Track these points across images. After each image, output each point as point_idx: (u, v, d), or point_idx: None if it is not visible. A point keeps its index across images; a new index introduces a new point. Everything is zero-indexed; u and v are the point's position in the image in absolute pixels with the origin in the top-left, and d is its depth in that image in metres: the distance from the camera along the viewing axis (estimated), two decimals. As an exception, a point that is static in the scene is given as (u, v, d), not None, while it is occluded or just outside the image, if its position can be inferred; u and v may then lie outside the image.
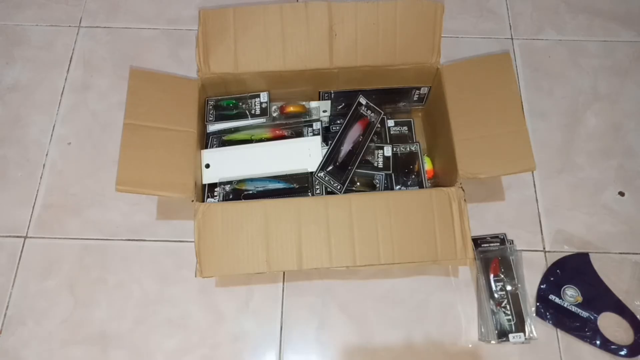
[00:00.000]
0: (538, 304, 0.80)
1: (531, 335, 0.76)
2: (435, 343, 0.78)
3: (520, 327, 0.76)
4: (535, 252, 0.84)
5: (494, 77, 0.78)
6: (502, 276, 0.79)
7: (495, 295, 0.78)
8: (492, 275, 0.79)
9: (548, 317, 0.79)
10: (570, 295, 0.80)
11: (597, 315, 0.79)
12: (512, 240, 0.83)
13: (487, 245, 0.82)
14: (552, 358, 0.77)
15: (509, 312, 0.77)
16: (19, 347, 0.78)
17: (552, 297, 0.80)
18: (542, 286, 0.81)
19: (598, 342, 0.77)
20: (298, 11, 0.79)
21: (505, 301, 0.77)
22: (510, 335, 0.75)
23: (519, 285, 0.78)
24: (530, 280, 0.81)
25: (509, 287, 0.78)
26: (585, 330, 0.78)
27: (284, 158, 0.81)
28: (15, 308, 0.80)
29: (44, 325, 0.79)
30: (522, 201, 0.88)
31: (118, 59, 0.97)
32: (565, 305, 0.79)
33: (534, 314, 0.79)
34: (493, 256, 0.80)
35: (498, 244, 0.82)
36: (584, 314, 0.79)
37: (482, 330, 0.78)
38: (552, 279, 0.81)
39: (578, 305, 0.79)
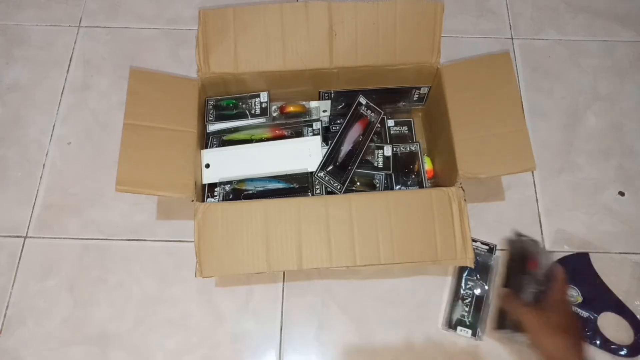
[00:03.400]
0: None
1: (477, 337, 0.77)
2: (435, 343, 0.78)
3: (471, 326, 0.77)
4: (535, 252, 0.84)
5: (494, 77, 0.78)
6: (475, 278, 0.79)
7: (461, 292, 0.79)
8: (464, 274, 0.80)
9: None
10: (570, 295, 0.80)
11: (597, 315, 0.79)
12: (497, 250, 0.82)
13: (474, 247, 0.81)
14: (552, 358, 0.77)
15: (467, 311, 0.78)
16: (19, 347, 0.78)
17: None
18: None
19: (598, 342, 0.77)
20: (298, 11, 0.79)
21: (469, 299, 0.78)
22: (459, 328, 0.77)
23: (488, 290, 0.78)
24: (530, 280, 0.82)
25: (477, 291, 0.79)
26: (585, 330, 0.78)
27: (284, 158, 0.81)
28: (15, 308, 0.80)
29: (44, 325, 0.79)
30: (522, 201, 0.88)
31: (118, 59, 0.97)
32: None
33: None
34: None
35: (486, 251, 0.82)
36: (584, 313, 0.79)
37: (443, 318, 0.79)
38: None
39: (578, 305, 0.79)
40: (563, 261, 0.83)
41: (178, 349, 0.78)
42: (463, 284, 0.79)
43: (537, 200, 0.88)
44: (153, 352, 0.77)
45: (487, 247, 0.82)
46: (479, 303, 0.78)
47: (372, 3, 0.79)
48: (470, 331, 0.77)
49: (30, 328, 0.79)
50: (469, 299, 0.78)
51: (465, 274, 0.80)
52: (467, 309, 0.78)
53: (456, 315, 0.78)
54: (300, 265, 0.69)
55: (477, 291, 0.79)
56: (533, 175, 0.90)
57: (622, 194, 0.89)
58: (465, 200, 0.71)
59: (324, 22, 0.78)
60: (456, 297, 0.79)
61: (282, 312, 0.80)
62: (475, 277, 0.79)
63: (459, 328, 0.77)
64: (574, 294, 0.80)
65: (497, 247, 0.82)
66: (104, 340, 0.78)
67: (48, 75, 0.96)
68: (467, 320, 0.77)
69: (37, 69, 0.96)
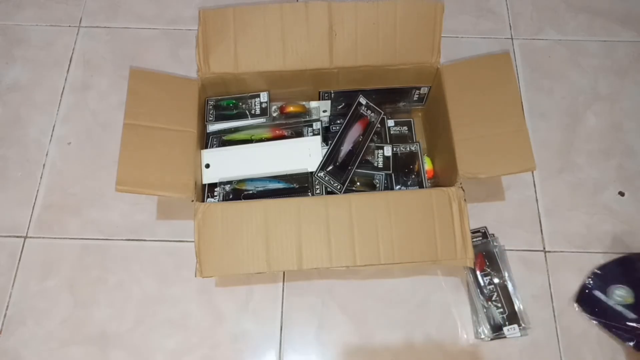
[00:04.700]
0: (580, 295, 0.79)
1: (524, 324, 0.76)
2: (435, 343, 0.78)
3: (513, 318, 0.76)
4: (535, 252, 0.84)
5: (494, 77, 0.78)
6: (489, 270, 0.79)
7: (485, 291, 0.78)
8: (478, 272, 0.79)
9: (588, 309, 0.79)
10: (619, 295, 0.79)
11: None
12: (494, 234, 0.83)
13: None
14: (552, 358, 0.77)
15: (500, 305, 0.77)
16: (19, 347, 0.78)
17: (597, 292, 0.79)
18: (589, 279, 0.80)
19: (632, 343, 0.77)
20: (298, 11, 0.79)
21: (495, 294, 0.78)
22: (505, 329, 0.76)
23: (506, 276, 0.78)
24: (530, 281, 0.81)
25: (496, 280, 0.78)
26: (625, 330, 0.77)
27: (284, 158, 0.81)
28: (15, 308, 0.80)
29: (44, 325, 0.79)
30: (522, 201, 0.88)
31: (118, 59, 0.97)
32: (610, 304, 0.79)
33: (575, 306, 0.79)
34: (477, 251, 0.80)
35: (480, 238, 0.82)
36: (631, 315, 0.78)
37: (477, 328, 0.78)
38: (602, 274, 0.81)
39: (628, 307, 0.78)
40: (621, 260, 0.82)
41: (178, 349, 0.78)
42: (482, 281, 0.78)
43: (537, 200, 0.88)
44: (153, 352, 0.77)
45: (480, 234, 0.82)
46: (505, 291, 0.78)
47: (372, 3, 0.79)
48: (516, 326, 0.76)
49: (30, 328, 0.79)
50: (495, 294, 0.78)
51: (478, 272, 0.79)
52: (499, 304, 0.77)
53: (496, 318, 0.77)
54: (300, 265, 0.69)
55: (497, 280, 0.78)
56: (533, 175, 0.90)
57: (622, 194, 0.89)
58: (465, 200, 0.71)
59: (324, 22, 0.78)
60: (482, 299, 0.77)
61: (282, 312, 0.80)
62: (487, 269, 0.79)
63: (505, 329, 0.76)
64: (624, 295, 0.79)
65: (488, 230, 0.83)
66: (104, 340, 0.78)
67: (48, 75, 0.96)
68: (506, 316, 0.76)
69: (37, 69, 0.96)
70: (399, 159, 0.84)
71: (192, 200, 0.74)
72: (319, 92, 0.86)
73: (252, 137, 0.84)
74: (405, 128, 0.88)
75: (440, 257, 0.70)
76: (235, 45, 0.79)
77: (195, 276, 0.69)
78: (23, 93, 0.95)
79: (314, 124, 0.84)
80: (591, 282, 0.81)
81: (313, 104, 0.87)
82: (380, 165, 0.83)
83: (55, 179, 0.88)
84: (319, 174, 0.79)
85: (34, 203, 0.86)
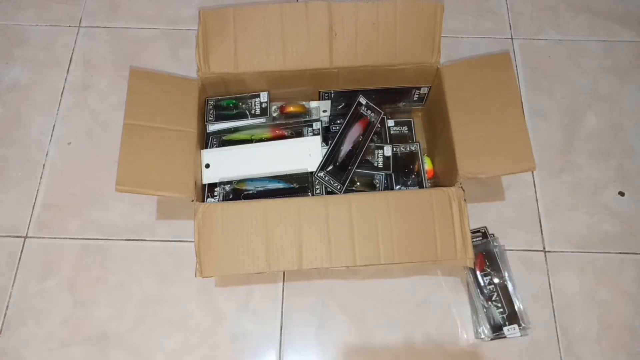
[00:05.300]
0: None
1: (524, 324, 0.76)
2: (435, 343, 0.78)
3: (513, 318, 0.76)
4: (535, 252, 0.84)
5: (494, 77, 0.78)
6: (489, 270, 0.79)
7: (485, 291, 0.78)
8: (478, 272, 0.79)
9: None
10: None
11: None
12: (494, 234, 0.83)
13: None
14: (552, 358, 0.77)
15: (500, 305, 0.77)
16: (19, 347, 0.78)
17: None
18: None
19: None
20: (298, 11, 0.79)
21: (495, 294, 0.78)
22: (505, 329, 0.76)
23: (506, 276, 0.78)
24: (530, 281, 0.82)
25: (496, 280, 0.78)
26: None
27: (284, 158, 0.81)
28: (15, 308, 0.80)
29: (44, 325, 0.79)
30: (522, 201, 0.88)
31: (118, 59, 0.97)
32: None
33: None
34: (477, 251, 0.80)
35: (480, 237, 0.82)
36: None
37: (477, 328, 0.78)
38: None
39: None
40: None
41: (178, 349, 0.78)
42: (482, 281, 0.78)
43: (537, 200, 0.88)
44: (153, 352, 0.77)
45: (480, 234, 0.82)
46: (505, 291, 0.78)
47: (372, 3, 0.79)
48: (516, 326, 0.76)
49: (30, 328, 0.79)
50: (495, 294, 0.78)
51: (478, 272, 0.79)
52: (499, 304, 0.77)
53: (496, 318, 0.76)
54: (300, 265, 0.69)
55: (497, 280, 0.78)
56: (533, 175, 0.90)
57: (622, 194, 0.89)
58: (465, 200, 0.71)
59: (324, 22, 0.78)
60: (482, 299, 0.77)
61: (282, 312, 0.80)
62: (487, 269, 0.79)
63: (505, 329, 0.75)
64: None
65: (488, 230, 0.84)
66: (104, 340, 0.78)
67: (48, 75, 0.96)
68: (506, 316, 0.76)
69: (37, 69, 0.96)
70: (399, 159, 0.84)
71: (192, 200, 0.74)
72: (319, 92, 0.86)
73: (252, 137, 0.84)
74: (405, 128, 0.88)
75: (440, 257, 0.70)
76: (235, 45, 0.79)
77: (195, 276, 0.69)
78: (23, 93, 0.95)
79: (314, 124, 0.84)
80: None
81: (313, 104, 0.87)
82: (380, 165, 0.83)
83: (55, 179, 0.88)
84: (319, 174, 0.79)
85: (34, 203, 0.86)
